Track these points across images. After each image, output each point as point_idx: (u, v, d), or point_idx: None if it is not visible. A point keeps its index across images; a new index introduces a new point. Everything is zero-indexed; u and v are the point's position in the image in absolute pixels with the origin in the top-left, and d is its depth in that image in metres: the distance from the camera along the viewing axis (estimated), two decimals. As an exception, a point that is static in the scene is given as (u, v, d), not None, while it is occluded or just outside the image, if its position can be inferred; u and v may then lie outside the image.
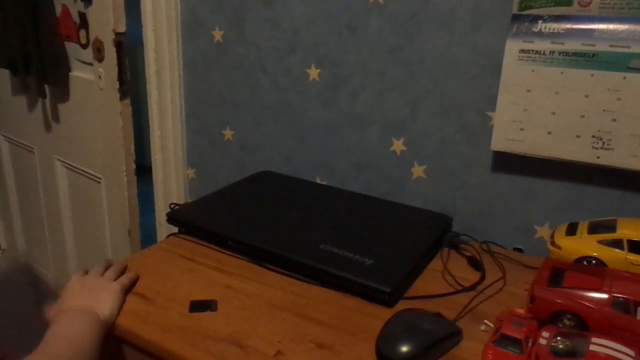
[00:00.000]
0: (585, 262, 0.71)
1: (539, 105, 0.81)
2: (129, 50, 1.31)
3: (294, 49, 1.09)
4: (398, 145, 1.01)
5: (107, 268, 0.75)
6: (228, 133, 1.25)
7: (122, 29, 1.28)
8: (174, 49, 1.26)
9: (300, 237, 0.82)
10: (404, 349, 0.57)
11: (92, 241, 1.61)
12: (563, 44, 0.77)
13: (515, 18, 0.80)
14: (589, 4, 0.74)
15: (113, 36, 1.27)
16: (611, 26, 0.73)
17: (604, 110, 0.76)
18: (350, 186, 1.08)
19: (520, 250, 0.91)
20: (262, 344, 0.62)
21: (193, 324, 0.65)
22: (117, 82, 1.29)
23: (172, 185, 1.37)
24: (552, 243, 0.75)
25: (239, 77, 1.19)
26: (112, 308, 0.67)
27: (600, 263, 0.70)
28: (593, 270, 0.66)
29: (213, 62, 1.22)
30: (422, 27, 0.92)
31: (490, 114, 0.90)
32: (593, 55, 0.75)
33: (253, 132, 1.21)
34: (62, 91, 1.49)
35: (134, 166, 1.38)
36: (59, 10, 1.42)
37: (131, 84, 1.33)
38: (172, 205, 0.94)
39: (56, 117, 1.58)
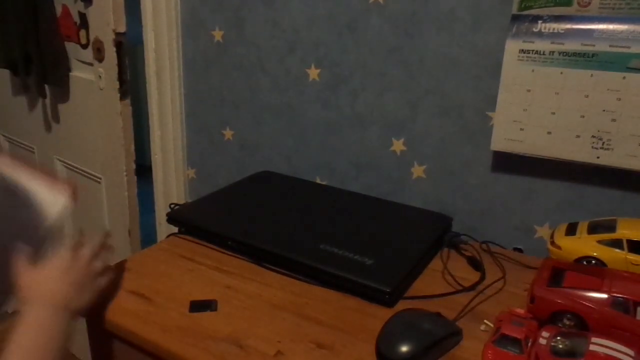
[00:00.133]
0: (585, 262, 0.71)
1: (538, 105, 0.81)
2: (129, 50, 1.31)
3: (294, 49, 1.09)
4: (398, 145, 1.01)
5: (100, 245, 0.71)
6: (228, 133, 1.25)
7: (122, 29, 1.28)
8: (174, 49, 1.26)
9: (300, 237, 0.82)
10: (404, 348, 0.57)
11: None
12: (563, 44, 0.77)
13: (515, 18, 0.80)
14: (589, 4, 0.74)
15: (113, 36, 1.27)
16: (611, 26, 0.73)
17: (604, 110, 0.76)
18: (350, 186, 1.08)
19: (520, 250, 0.91)
20: (262, 344, 0.62)
21: (193, 324, 0.65)
22: (117, 82, 1.29)
23: (172, 185, 1.37)
24: (552, 243, 0.75)
25: (239, 77, 1.19)
26: (87, 305, 0.65)
27: (600, 263, 0.70)
28: (593, 270, 0.66)
29: (213, 62, 1.22)
30: (422, 27, 0.92)
31: (490, 114, 0.90)
32: (593, 55, 0.75)
33: (253, 132, 1.21)
34: (62, 91, 1.49)
35: (134, 166, 1.38)
36: (59, 10, 1.42)
37: (131, 84, 1.33)
38: (172, 205, 0.95)
39: (56, 117, 1.58)
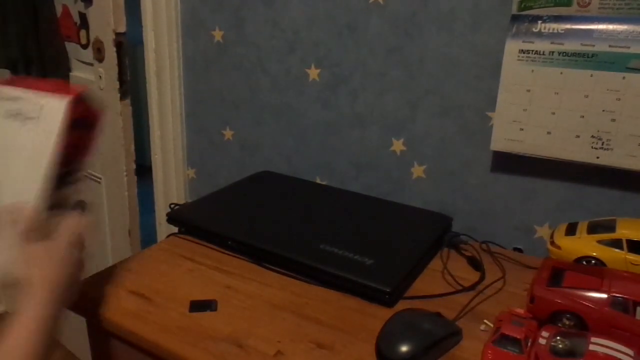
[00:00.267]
0: (584, 262, 0.71)
1: (538, 105, 0.81)
2: (129, 50, 1.31)
3: (294, 49, 1.09)
4: (398, 145, 1.01)
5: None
6: (228, 133, 1.25)
7: (122, 29, 1.28)
8: (174, 49, 1.26)
9: (300, 237, 0.82)
10: (404, 348, 0.57)
11: (92, 241, 1.61)
12: (562, 44, 0.77)
13: (515, 18, 0.80)
14: (589, 4, 0.74)
15: (113, 36, 1.27)
16: (610, 26, 0.73)
17: (604, 111, 0.76)
18: (350, 186, 1.08)
19: (520, 250, 0.91)
20: (262, 344, 0.62)
21: (193, 324, 0.65)
22: (117, 82, 1.29)
23: (172, 185, 1.37)
24: (552, 243, 0.75)
25: (239, 77, 1.19)
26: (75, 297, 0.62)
27: (600, 263, 0.70)
28: (592, 270, 0.66)
29: (213, 62, 1.22)
30: (422, 27, 0.92)
31: (490, 114, 0.90)
32: (592, 55, 0.75)
33: (253, 132, 1.21)
34: (62, 91, 1.49)
35: (134, 166, 1.38)
36: (59, 10, 1.42)
37: (131, 84, 1.33)
38: (172, 205, 0.95)
39: (56, 117, 1.58)
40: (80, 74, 1.44)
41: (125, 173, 1.37)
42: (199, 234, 0.88)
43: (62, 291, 0.58)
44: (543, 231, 0.90)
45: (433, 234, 0.85)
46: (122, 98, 1.30)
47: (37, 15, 1.41)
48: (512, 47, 0.80)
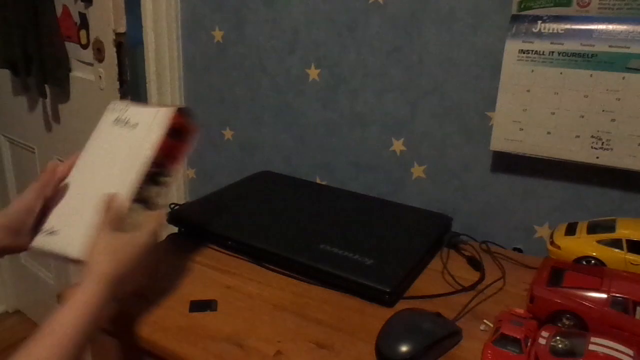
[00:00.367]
0: (584, 262, 0.71)
1: (538, 105, 0.81)
2: (129, 50, 1.31)
3: (294, 49, 1.09)
4: (398, 145, 1.01)
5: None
6: (228, 133, 1.25)
7: (122, 29, 1.28)
8: (174, 49, 1.26)
9: (300, 237, 0.82)
10: (404, 348, 0.57)
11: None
12: (562, 44, 0.77)
13: (515, 18, 0.80)
14: (588, 4, 0.74)
15: (113, 36, 1.27)
16: (610, 27, 0.73)
17: (603, 111, 0.76)
18: (350, 186, 1.08)
19: (519, 250, 0.91)
20: (262, 344, 0.62)
21: (193, 324, 0.65)
22: (117, 82, 1.29)
23: (172, 185, 1.37)
24: (552, 243, 0.75)
25: (239, 77, 1.19)
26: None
27: (600, 263, 0.70)
28: (592, 270, 0.66)
29: (213, 62, 1.22)
30: (422, 27, 0.93)
31: (489, 114, 0.90)
32: (592, 55, 0.75)
33: (253, 132, 1.21)
34: (62, 91, 1.50)
35: (134, 166, 1.38)
36: (59, 10, 1.42)
37: (131, 84, 1.33)
38: (172, 205, 0.95)
39: (57, 118, 1.59)
40: (80, 74, 1.44)
41: (125, 173, 1.37)
42: (199, 234, 0.88)
43: (115, 288, 0.59)
44: (543, 231, 0.90)
45: (433, 234, 0.85)
46: (122, 98, 1.30)
47: (37, 15, 1.41)
48: (512, 47, 0.81)
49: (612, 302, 0.59)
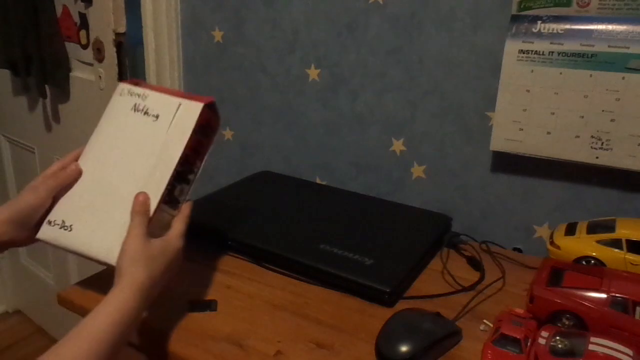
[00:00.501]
0: (584, 262, 0.71)
1: (538, 105, 0.81)
2: (129, 50, 1.31)
3: (294, 49, 1.09)
4: (398, 145, 1.01)
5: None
6: (228, 133, 1.25)
7: (122, 29, 1.28)
8: (174, 49, 1.26)
9: (300, 237, 0.82)
10: (404, 348, 0.57)
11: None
12: (562, 44, 0.77)
13: (515, 18, 0.80)
14: (588, 4, 0.74)
15: (113, 36, 1.27)
16: (610, 27, 0.73)
17: (603, 111, 0.76)
18: (350, 186, 1.08)
19: (519, 250, 0.91)
20: (262, 344, 0.62)
21: (193, 324, 0.65)
22: (118, 83, 1.29)
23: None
24: (552, 243, 0.75)
25: (239, 77, 1.19)
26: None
27: (599, 263, 0.70)
28: (592, 270, 0.66)
29: (213, 62, 1.22)
30: (422, 27, 0.93)
31: (489, 114, 0.90)
32: (592, 55, 0.75)
33: (253, 132, 1.21)
34: (62, 91, 1.50)
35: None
36: (59, 10, 1.42)
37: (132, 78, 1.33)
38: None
39: (57, 118, 1.59)
40: (80, 74, 1.44)
41: (125, 173, 1.37)
42: (199, 234, 0.88)
43: (148, 297, 0.57)
44: (543, 231, 0.90)
45: (433, 234, 0.85)
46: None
47: (37, 16, 1.41)
48: (511, 47, 0.81)
49: (611, 302, 0.59)
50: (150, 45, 1.25)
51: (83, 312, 0.70)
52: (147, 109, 0.67)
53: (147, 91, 0.68)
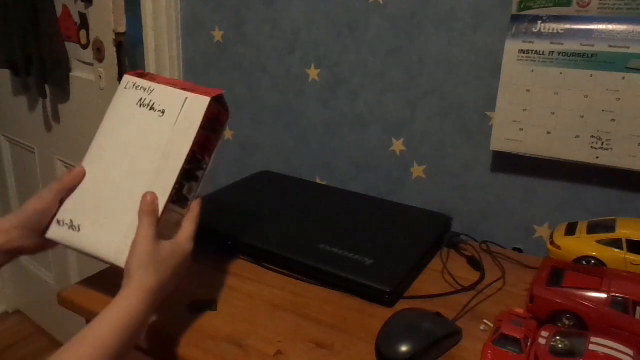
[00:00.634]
0: (584, 262, 0.71)
1: (538, 105, 0.81)
2: (129, 50, 1.31)
3: (294, 49, 1.09)
4: (398, 145, 1.01)
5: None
6: (228, 133, 1.25)
7: (122, 29, 1.28)
8: (174, 49, 1.26)
9: (300, 237, 0.82)
10: (404, 348, 0.57)
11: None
12: (562, 44, 0.77)
13: (515, 18, 0.80)
14: (588, 4, 0.74)
15: (113, 36, 1.27)
16: (610, 27, 0.73)
17: (603, 111, 0.76)
18: (350, 186, 1.08)
19: (519, 250, 0.91)
20: (262, 344, 0.62)
21: (193, 324, 0.65)
22: (117, 82, 1.29)
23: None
24: (552, 243, 0.75)
25: (239, 77, 1.19)
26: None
27: (600, 263, 0.70)
28: (592, 270, 0.66)
29: (213, 62, 1.22)
30: (422, 27, 0.93)
31: (489, 114, 0.90)
32: (592, 55, 0.75)
33: (253, 132, 1.21)
34: (62, 91, 1.50)
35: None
36: (59, 10, 1.42)
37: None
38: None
39: (57, 118, 1.59)
40: (80, 74, 1.44)
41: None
42: (199, 234, 0.88)
43: (157, 300, 0.56)
44: (543, 231, 0.90)
45: (433, 234, 0.85)
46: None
47: (37, 15, 1.41)
48: (512, 47, 0.81)
49: (612, 302, 0.59)
50: (150, 45, 1.25)
51: (83, 312, 0.70)
52: (153, 104, 0.65)
53: (153, 84, 0.66)
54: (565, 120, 0.79)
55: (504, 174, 0.91)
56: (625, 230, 0.70)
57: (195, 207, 0.65)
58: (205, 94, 0.64)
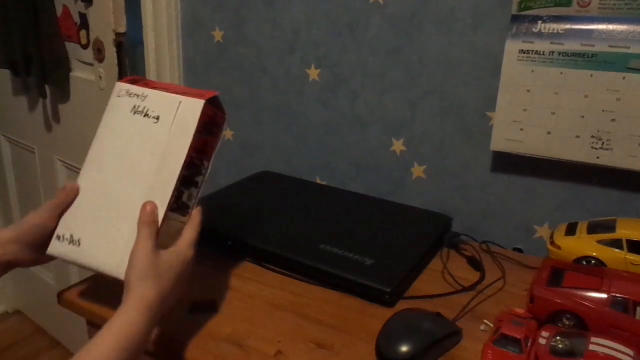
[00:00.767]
0: (584, 262, 0.71)
1: (538, 105, 0.81)
2: (129, 50, 1.31)
3: (294, 49, 1.09)
4: (398, 145, 1.01)
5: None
6: (228, 133, 1.25)
7: (122, 29, 1.28)
8: (174, 49, 1.26)
9: (300, 237, 0.82)
10: (404, 348, 0.57)
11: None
12: (562, 44, 0.77)
13: (515, 18, 0.80)
14: (588, 4, 0.74)
15: (113, 36, 1.27)
16: (610, 26, 0.73)
17: (603, 111, 0.76)
18: (350, 186, 1.08)
19: (519, 250, 0.91)
20: (262, 344, 0.62)
21: (193, 324, 0.65)
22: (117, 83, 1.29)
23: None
24: (552, 243, 0.75)
25: (239, 77, 1.19)
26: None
27: (600, 263, 0.70)
28: (592, 270, 0.66)
29: (213, 62, 1.22)
30: (422, 27, 0.92)
31: (489, 114, 0.90)
32: (592, 55, 0.75)
33: (253, 132, 1.21)
34: (62, 91, 1.50)
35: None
36: (59, 10, 1.42)
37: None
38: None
39: (57, 118, 1.59)
40: (80, 74, 1.44)
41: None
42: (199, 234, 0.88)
43: (158, 312, 0.55)
44: (543, 231, 0.90)
45: (433, 234, 0.85)
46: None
47: (37, 15, 1.41)
48: (512, 47, 0.81)
49: (612, 302, 0.59)
50: (150, 45, 1.25)
51: (83, 312, 0.70)
52: (147, 110, 0.63)
53: (146, 90, 0.65)
54: (566, 120, 0.79)
55: (504, 174, 0.91)
56: (626, 230, 0.70)
57: (196, 214, 0.64)
58: (199, 96, 0.63)
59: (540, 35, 0.78)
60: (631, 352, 0.53)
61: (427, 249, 0.82)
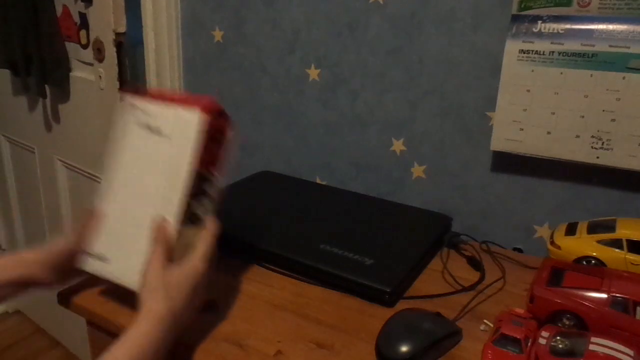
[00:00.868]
0: (584, 262, 0.71)
1: (538, 105, 0.81)
2: (129, 50, 1.31)
3: (294, 49, 1.09)
4: (398, 145, 1.01)
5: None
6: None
7: (122, 29, 1.28)
8: (174, 49, 1.26)
9: (300, 237, 0.82)
10: (404, 348, 0.57)
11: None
12: (562, 44, 0.77)
13: (515, 18, 0.80)
14: (588, 4, 0.74)
15: (113, 36, 1.27)
16: (610, 26, 0.73)
17: (604, 111, 0.76)
18: (350, 186, 1.08)
19: (519, 250, 0.91)
20: (262, 344, 0.62)
21: (193, 324, 0.65)
22: (117, 82, 1.29)
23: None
24: (552, 243, 0.75)
25: (239, 77, 1.19)
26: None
27: (600, 263, 0.70)
28: (592, 270, 0.66)
29: (213, 62, 1.22)
30: (422, 27, 0.92)
31: (489, 114, 0.90)
32: (592, 55, 0.75)
33: (253, 132, 1.21)
34: (62, 91, 1.50)
35: (134, 166, 1.38)
36: (59, 10, 1.42)
37: (131, 84, 1.33)
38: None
39: (57, 117, 1.59)
40: (80, 74, 1.44)
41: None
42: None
43: (172, 325, 0.55)
44: (543, 231, 0.90)
45: (433, 234, 0.85)
46: (122, 98, 1.30)
47: (37, 15, 1.41)
48: (512, 47, 0.81)
49: (612, 302, 0.59)
50: (150, 45, 1.25)
51: (83, 312, 0.70)
52: (150, 124, 0.64)
53: (147, 103, 0.65)
54: (566, 120, 0.79)
55: (504, 174, 0.91)
56: (626, 230, 0.70)
57: (210, 226, 0.64)
58: (197, 104, 0.62)
59: (540, 35, 0.78)
60: (631, 352, 0.53)
61: (427, 249, 0.82)
